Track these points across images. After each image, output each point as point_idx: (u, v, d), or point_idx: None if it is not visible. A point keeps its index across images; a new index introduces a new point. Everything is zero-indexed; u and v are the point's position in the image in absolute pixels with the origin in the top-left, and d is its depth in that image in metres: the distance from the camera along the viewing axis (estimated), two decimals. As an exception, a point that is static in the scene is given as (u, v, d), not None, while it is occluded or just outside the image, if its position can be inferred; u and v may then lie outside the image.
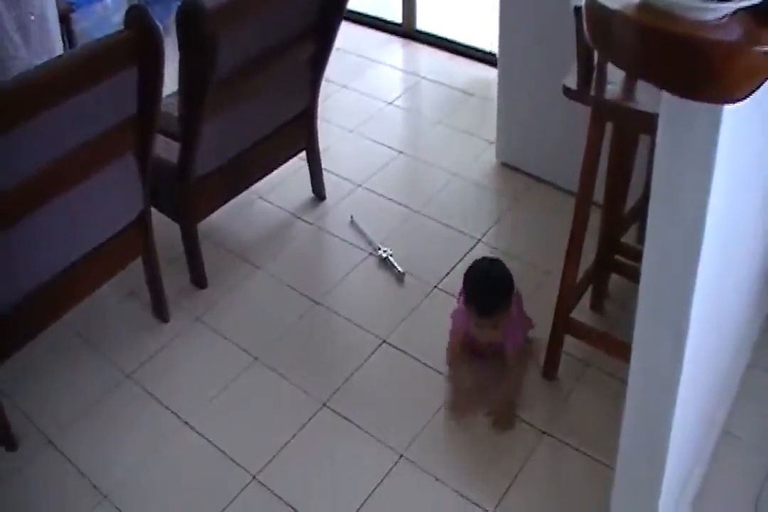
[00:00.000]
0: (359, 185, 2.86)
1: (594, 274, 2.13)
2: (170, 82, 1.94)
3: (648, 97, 1.61)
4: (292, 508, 1.85)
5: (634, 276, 1.56)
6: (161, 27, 1.74)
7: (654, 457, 1.39)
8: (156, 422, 2.06)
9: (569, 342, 2.05)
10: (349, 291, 2.43)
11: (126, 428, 2.05)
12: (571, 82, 1.72)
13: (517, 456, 1.93)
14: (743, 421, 1.95)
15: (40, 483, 1.93)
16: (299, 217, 2.74)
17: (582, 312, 2.17)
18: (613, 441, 1.45)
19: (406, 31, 3.81)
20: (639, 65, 0.95)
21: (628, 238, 2.19)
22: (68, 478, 1.93)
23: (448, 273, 2.46)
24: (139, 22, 1.73)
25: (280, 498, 1.87)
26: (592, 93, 1.70)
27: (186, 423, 2.05)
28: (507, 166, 2.89)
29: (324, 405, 2.08)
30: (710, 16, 0.84)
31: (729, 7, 0.84)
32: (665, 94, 0.97)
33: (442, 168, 2.92)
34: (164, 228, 2.32)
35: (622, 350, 1.62)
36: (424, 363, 2.17)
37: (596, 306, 2.27)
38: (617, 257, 2.17)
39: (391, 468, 1.92)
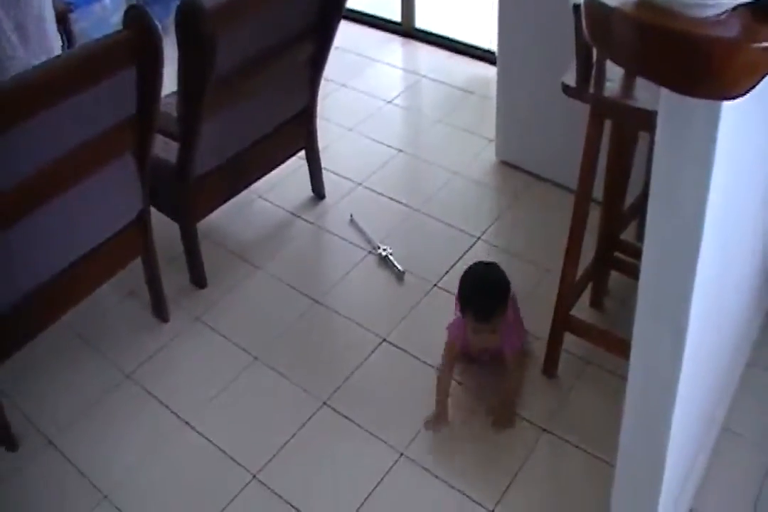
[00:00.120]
0: (359, 184, 2.86)
1: (594, 272, 2.13)
2: (169, 81, 1.94)
3: (647, 94, 1.61)
4: (293, 507, 1.85)
5: (633, 273, 1.55)
6: (160, 27, 1.74)
7: (654, 454, 1.39)
8: (156, 422, 2.06)
9: (569, 339, 2.05)
10: (349, 290, 2.43)
11: (126, 428, 2.05)
12: (570, 79, 1.72)
13: (518, 454, 1.93)
14: (743, 418, 1.96)
15: (40, 483, 1.93)
16: (299, 216, 2.74)
17: (582, 310, 2.17)
18: (614, 439, 1.45)
19: (405, 29, 3.81)
20: (638, 62, 0.95)
21: (628, 235, 2.19)
22: (68, 478, 1.93)
23: (448, 271, 2.45)
24: (137, 22, 1.73)
25: (280, 497, 1.87)
26: (591, 90, 1.70)
27: (186, 422, 2.05)
28: (506, 164, 2.89)
29: (324, 403, 2.08)
30: (709, 13, 0.84)
31: (728, 4, 0.84)
32: (664, 91, 0.96)
33: (442, 166, 2.92)
34: (164, 227, 2.31)
35: (621, 347, 1.62)
36: (424, 362, 2.17)
37: (596, 303, 2.27)
38: (617, 254, 2.16)
39: (392, 467, 1.92)
